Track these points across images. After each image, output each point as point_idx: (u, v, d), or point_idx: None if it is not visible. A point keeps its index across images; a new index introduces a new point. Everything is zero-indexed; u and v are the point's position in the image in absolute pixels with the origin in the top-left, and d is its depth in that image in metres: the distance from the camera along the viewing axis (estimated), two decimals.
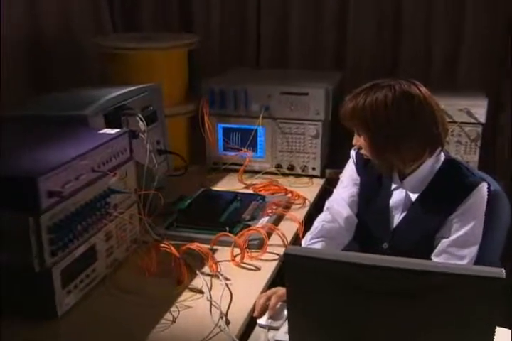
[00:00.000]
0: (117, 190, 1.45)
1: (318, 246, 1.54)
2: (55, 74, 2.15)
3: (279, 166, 2.15)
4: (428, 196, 1.49)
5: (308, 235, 1.58)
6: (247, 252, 1.57)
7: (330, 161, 2.20)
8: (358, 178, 1.61)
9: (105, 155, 1.42)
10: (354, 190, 1.61)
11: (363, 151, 1.51)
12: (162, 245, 1.47)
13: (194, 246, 1.49)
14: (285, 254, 1.07)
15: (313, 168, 2.13)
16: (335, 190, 1.66)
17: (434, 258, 1.44)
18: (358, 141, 1.50)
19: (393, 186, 1.54)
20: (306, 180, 2.11)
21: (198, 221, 1.72)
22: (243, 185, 2.04)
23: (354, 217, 1.59)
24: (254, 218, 1.75)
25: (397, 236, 1.53)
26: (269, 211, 1.79)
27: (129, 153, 1.52)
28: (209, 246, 1.56)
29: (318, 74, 2.25)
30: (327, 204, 1.64)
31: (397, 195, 1.53)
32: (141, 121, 1.69)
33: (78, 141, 1.41)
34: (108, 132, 1.48)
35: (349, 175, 1.63)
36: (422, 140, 1.44)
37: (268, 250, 1.58)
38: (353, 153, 1.63)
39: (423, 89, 1.44)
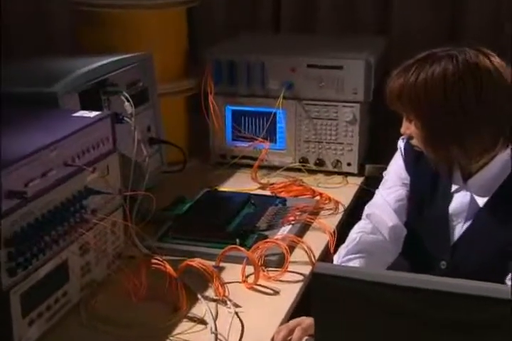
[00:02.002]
0: (97, 190, 1.45)
1: (355, 263, 1.54)
2: (12, 40, 2.15)
3: (304, 161, 2.15)
4: (500, 200, 1.48)
5: (343, 250, 1.58)
6: (263, 271, 1.57)
7: (370, 155, 2.20)
8: (408, 177, 1.62)
9: (81, 146, 1.42)
10: (402, 191, 1.61)
11: (414, 142, 1.51)
12: (154, 261, 1.48)
13: (195, 262, 1.49)
14: (313, 274, 1.08)
15: (349, 164, 2.13)
16: (377, 192, 1.66)
17: (510, 282, 1.44)
18: (408, 128, 1.50)
19: (454, 187, 1.54)
20: (339, 178, 2.12)
21: (200, 230, 1.72)
22: (258, 185, 2.05)
23: (402, 227, 1.59)
24: (272, 227, 1.76)
25: (460, 252, 1.52)
26: (292, 218, 1.79)
27: (111, 142, 1.52)
28: (214, 264, 1.56)
29: (355, 41, 2.26)
30: (367, 210, 1.64)
31: (460, 199, 1.53)
32: (128, 101, 1.69)
33: (46, 127, 1.41)
34: (84, 115, 1.48)
35: (396, 173, 1.63)
36: (494, 127, 1.44)
37: (290, 269, 1.58)
38: (401, 144, 1.63)
39: (495, 59, 1.43)
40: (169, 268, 1.45)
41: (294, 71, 2.08)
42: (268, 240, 1.64)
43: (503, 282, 1.44)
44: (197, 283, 1.51)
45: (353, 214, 1.83)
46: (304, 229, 1.78)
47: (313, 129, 2.13)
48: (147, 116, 1.91)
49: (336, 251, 1.61)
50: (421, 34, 2.32)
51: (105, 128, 1.50)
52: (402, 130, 1.52)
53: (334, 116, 2.10)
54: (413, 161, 1.59)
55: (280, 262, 1.59)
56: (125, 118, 1.65)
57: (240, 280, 1.54)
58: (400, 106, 1.48)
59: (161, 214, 1.78)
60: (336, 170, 2.14)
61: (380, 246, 1.57)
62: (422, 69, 1.43)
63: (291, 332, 1.38)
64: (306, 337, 1.37)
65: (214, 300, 1.47)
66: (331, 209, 1.90)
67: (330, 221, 1.83)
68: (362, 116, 2.10)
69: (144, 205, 1.64)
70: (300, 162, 2.15)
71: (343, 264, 1.52)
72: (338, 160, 2.13)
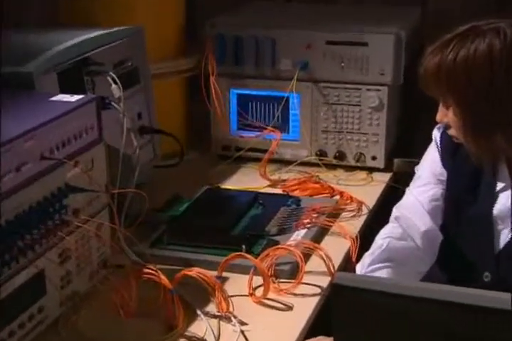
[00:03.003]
0: (79, 188, 1.45)
1: (381, 274, 1.55)
2: None
3: (321, 154, 2.15)
4: None
5: (367, 258, 1.59)
6: (274, 283, 1.57)
7: (400, 147, 2.21)
8: (444, 173, 1.62)
9: (61, 135, 1.41)
10: (437, 190, 1.62)
11: (451, 132, 1.52)
12: (146, 271, 1.47)
13: (194, 272, 1.49)
14: (332, 286, 1.10)
15: (374, 157, 2.13)
16: (407, 191, 1.67)
17: None
18: (446, 115, 1.50)
19: (499, 186, 1.54)
20: (362, 174, 2.12)
21: (199, 235, 1.72)
22: (267, 182, 2.05)
23: (437, 232, 1.60)
24: (283, 231, 1.76)
25: (506, 262, 1.52)
26: (307, 221, 1.79)
27: (96, 131, 1.52)
28: (216, 273, 1.55)
29: (383, 12, 2.26)
30: (396, 211, 1.65)
31: (505, 200, 1.53)
32: (115, 83, 1.69)
33: (19, 113, 1.41)
34: (64, 99, 1.48)
35: (430, 168, 1.64)
36: None
37: (305, 280, 1.58)
38: (436, 134, 1.63)
39: None
40: (164, 278, 1.44)
41: (309, 48, 2.07)
42: (279, 246, 1.63)
43: None
44: (196, 297, 1.50)
45: (379, 216, 1.82)
46: (321, 233, 1.78)
47: (332, 117, 2.12)
48: (138, 100, 1.91)
49: (358, 259, 1.61)
50: (461, 4, 2.32)
51: (89, 115, 1.50)
52: (438, 118, 1.52)
53: (357, 102, 2.09)
54: (450, 154, 1.60)
55: (293, 272, 1.59)
56: (112, 104, 1.64)
57: (247, 293, 1.54)
58: (436, 89, 1.48)
59: (154, 216, 1.77)
60: (358, 164, 2.14)
61: (411, 254, 1.58)
62: (463, 45, 1.43)
63: None
64: None
65: (216, 317, 1.46)
66: (353, 210, 1.90)
67: (352, 224, 1.82)
68: (390, 101, 2.10)
69: (134, 205, 1.63)
70: (317, 155, 2.15)
71: (368, 275, 1.52)
72: (361, 153, 2.13)
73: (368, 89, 2.08)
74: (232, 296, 1.51)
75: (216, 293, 1.48)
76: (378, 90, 2.08)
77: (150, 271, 1.47)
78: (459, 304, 1.04)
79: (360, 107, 2.10)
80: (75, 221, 1.45)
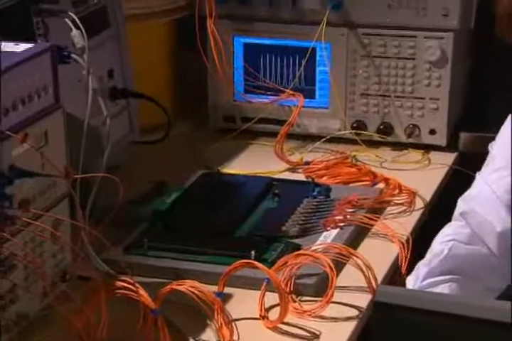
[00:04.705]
0: (28, 171, 1.45)
1: (443, 290, 1.56)
2: None
3: (360, 126, 2.16)
4: None
5: (423, 269, 1.60)
6: (294, 301, 1.57)
7: (468, 118, 2.22)
8: None
9: (2, 100, 1.39)
10: None
11: None
12: (120, 285, 1.47)
13: (185, 287, 1.47)
14: (375, 305, 1.12)
15: (433, 131, 2.14)
16: (478, 177, 1.67)
17: None
18: None
19: None
20: (416, 155, 2.13)
21: (192, 236, 1.73)
22: (285, 165, 2.06)
23: None
24: (307, 232, 1.76)
25: None
26: (340, 218, 1.79)
27: (51, 94, 1.52)
28: (215, 289, 1.55)
29: None
30: (462, 205, 1.65)
31: None
32: (76, 27, 1.69)
33: None
34: (7, 49, 1.47)
35: (509, 147, 1.63)
36: None
37: (336, 298, 1.57)
38: None
39: None
40: (144, 295, 1.44)
41: None
42: (301, 252, 1.62)
43: None
44: (188, 320, 1.50)
45: (439, 212, 1.81)
46: (359, 235, 1.78)
47: (375, 75, 2.13)
48: (108, 52, 1.92)
49: (410, 270, 1.62)
50: None
51: (41, 71, 1.49)
52: None
53: (410, 54, 2.10)
54: None
55: (321, 287, 1.58)
56: (72, 56, 1.61)
57: (257, 316, 1.54)
58: None
59: (131, 210, 1.78)
60: (411, 141, 2.14)
61: (483, 263, 1.58)
62: None
63: None
64: None
65: None
66: (402, 203, 1.90)
67: (401, 222, 1.82)
68: (456, 53, 2.10)
69: (104, 195, 1.63)
70: (353, 128, 2.15)
71: (424, 290, 1.53)
72: (414, 126, 2.14)
73: (426, 37, 2.08)
74: (237, 320, 1.50)
75: (216, 315, 1.48)
76: (440, 38, 2.08)
77: (126, 284, 1.45)
78: None
79: (415, 62, 2.10)
80: (22, 216, 1.44)
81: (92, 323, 1.44)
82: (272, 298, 1.54)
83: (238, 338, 1.48)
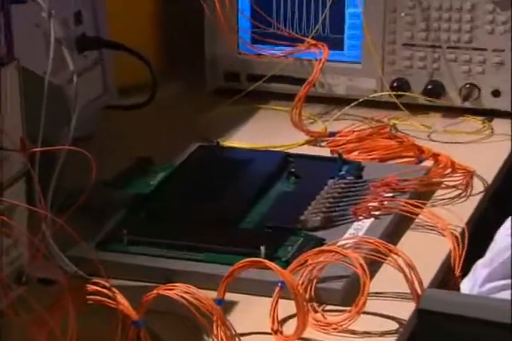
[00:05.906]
0: None
1: (507, 296, 1.46)
2: None
3: (401, 86, 2.05)
4: None
5: (483, 270, 1.50)
6: (315, 311, 1.48)
7: None
8: None
9: None
10: None
11: None
12: (92, 290, 1.41)
13: (176, 292, 1.40)
14: (419, 313, 1.13)
15: (496, 92, 2.02)
16: None
17: None
18: None
19: None
20: (475, 123, 2.04)
21: (185, 228, 1.64)
22: (305, 136, 1.96)
23: None
24: (332, 222, 1.67)
25: None
26: (375, 205, 1.70)
27: (2, 43, 1.46)
28: (215, 295, 1.47)
29: None
30: None
31: None
32: None
33: None
34: None
35: None
36: None
37: (371, 307, 1.46)
38: None
39: None
40: (124, 303, 1.38)
41: None
42: (325, 248, 1.53)
43: None
44: (178, 334, 1.44)
45: (503, 198, 1.80)
46: (399, 227, 1.69)
47: (421, 20, 2.01)
48: None
49: (466, 271, 1.53)
50: None
51: None
52: None
53: None
54: None
55: (350, 293, 1.49)
56: None
57: (268, 330, 1.44)
58: None
59: (105, 194, 1.71)
60: (468, 105, 2.04)
61: None
62: None
63: None
64: None
65: None
66: (456, 186, 1.80)
67: (454, 211, 1.72)
68: None
69: (70, 174, 1.55)
70: (393, 89, 2.04)
71: (483, 295, 1.46)
72: (472, 85, 2.02)
73: None
74: (242, 335, 1.41)
75: (215, 328, 1.39)
76: None
77: (99, 289, 1.40)
78: None
79: (474, 1, 1.99)
80: None
81: (57, 336, 1.37)
82: (287, 306, 1.44)
83: None
